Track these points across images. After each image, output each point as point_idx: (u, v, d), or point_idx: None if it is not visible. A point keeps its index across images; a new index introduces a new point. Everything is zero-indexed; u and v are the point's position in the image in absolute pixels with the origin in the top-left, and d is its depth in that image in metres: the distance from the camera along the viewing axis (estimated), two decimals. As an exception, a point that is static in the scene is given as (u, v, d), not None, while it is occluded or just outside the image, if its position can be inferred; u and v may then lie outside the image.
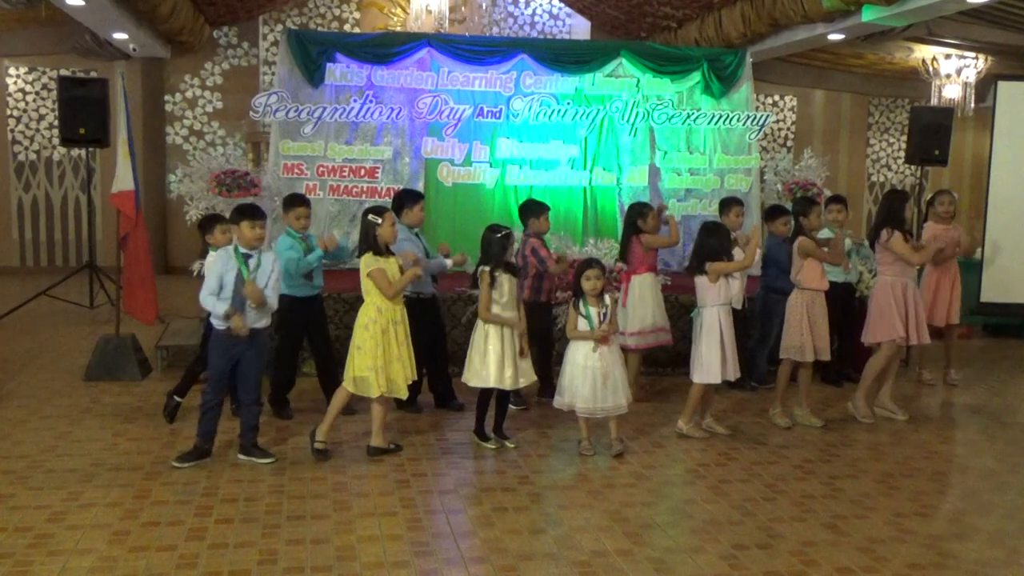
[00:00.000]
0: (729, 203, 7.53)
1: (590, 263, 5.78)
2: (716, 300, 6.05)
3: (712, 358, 6.02)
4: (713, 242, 6.12)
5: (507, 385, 5.71)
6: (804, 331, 6.36)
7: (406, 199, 6.58)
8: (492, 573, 4.08)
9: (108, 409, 6.55)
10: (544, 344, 6.96)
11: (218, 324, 5.27)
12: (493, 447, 5.84)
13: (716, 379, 6.06)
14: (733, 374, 6.13)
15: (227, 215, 8.01)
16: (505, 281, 5.73)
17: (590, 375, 5.66)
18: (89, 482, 5.07)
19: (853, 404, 6.78)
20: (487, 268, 5.70)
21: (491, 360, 5.66)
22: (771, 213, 7.54)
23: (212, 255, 5.78)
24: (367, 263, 5.43)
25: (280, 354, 6.42)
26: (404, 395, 5.66)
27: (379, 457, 5.56)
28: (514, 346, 5.72)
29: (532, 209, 6.96)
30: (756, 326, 7.59)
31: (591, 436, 5.85)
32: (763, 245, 7.49)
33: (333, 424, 5.63)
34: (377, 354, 5.41)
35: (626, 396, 5.78)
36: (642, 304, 6.96)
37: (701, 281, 6.10)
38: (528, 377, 5.90)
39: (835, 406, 7.13)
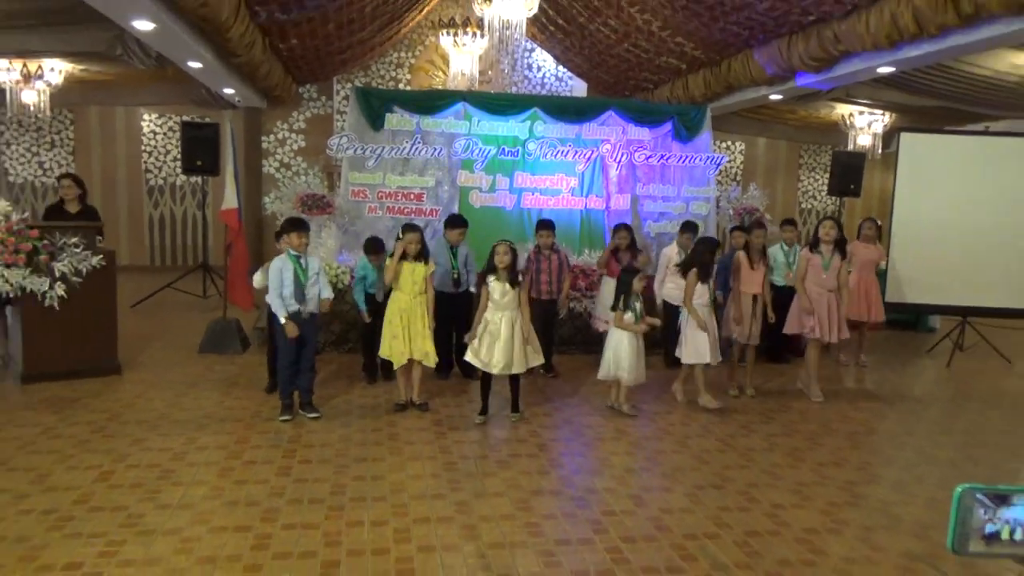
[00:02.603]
0: (687, 227, 7.38)
1: (636, 271, 5.81)
2: (700, 300, 6.01)
3: (701, 345, 5.97)
4: (707, 255, 6.03)
5: (494, 371, 5.37)
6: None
7: (447, 223, 6.68)
8: (509, 504, 4.08)
9: (217, 375, 6.59)
10: (545, 330, 6.62)
11: (281, 318, 5.33)
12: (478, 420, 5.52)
13: (707, 360, 6.00)
14: (715, 359, 6.04)
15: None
16: (496, 285, 5.38)
17: (633, 354, 5.66)
18: (203, 430, 5.11)
19: (804, 384, 6.72)
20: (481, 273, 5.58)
21: (482, 349, 5.40)
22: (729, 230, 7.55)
23: (275, 261, 5.41)
24: (388, 262, 5.63)
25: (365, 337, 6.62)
26: (399, 362, 5.57)
27: (420, 411, 5.67)
28: (503, 338, 5.33)
29: (536, 225, 7.07)
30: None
31: (627, 401, 5.85)
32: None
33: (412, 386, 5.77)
34: (387, 332, 5.63)
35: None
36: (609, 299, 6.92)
37: (685, 282, 6.03)
38: (526, 363, 5.45)
39: (775, 380, 7.10)
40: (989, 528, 1.12)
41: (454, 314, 6.46)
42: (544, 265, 6.76)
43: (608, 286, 7.00)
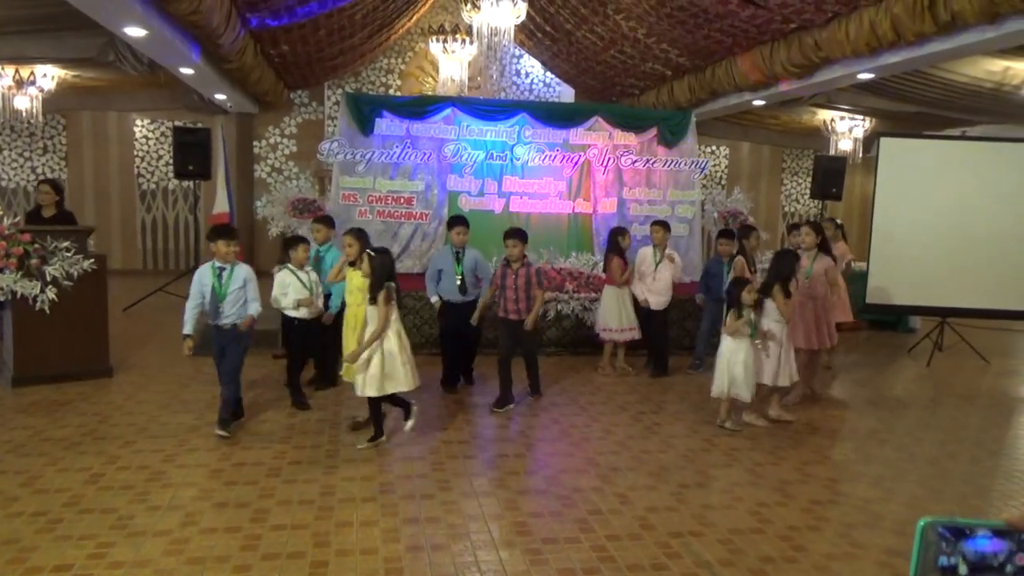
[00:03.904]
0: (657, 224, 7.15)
1: (745, 282, 5.46)
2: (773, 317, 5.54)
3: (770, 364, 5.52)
4: (790, 270, 5.54)
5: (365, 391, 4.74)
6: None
7: (449, 224, 6.36)
8: (497, 503, 4.07)
9: (208, 378, 6.53)
10: (515, 350, 6.04)
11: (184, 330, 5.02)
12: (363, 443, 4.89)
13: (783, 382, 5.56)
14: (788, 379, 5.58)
15: (300, 232, 8.05)
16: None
17: (751, 372, 5.34)
18: (193, 432, 5.07)
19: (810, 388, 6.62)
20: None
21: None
22: (721, 234, 7.30)
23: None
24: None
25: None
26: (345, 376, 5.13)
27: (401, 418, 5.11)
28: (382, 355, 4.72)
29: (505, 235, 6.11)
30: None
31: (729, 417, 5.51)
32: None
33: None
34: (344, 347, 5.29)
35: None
36: (609, 308, 6.93)
37: (775, 300, 5.50)
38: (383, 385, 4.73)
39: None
40: (947, 561, 1.12)
41: (460, 325, 6.13)
42: (511, 281, 5.87)
43: (609, 295, 6.92)
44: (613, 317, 6.93)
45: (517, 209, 9.17)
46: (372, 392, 4.70)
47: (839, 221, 8.48)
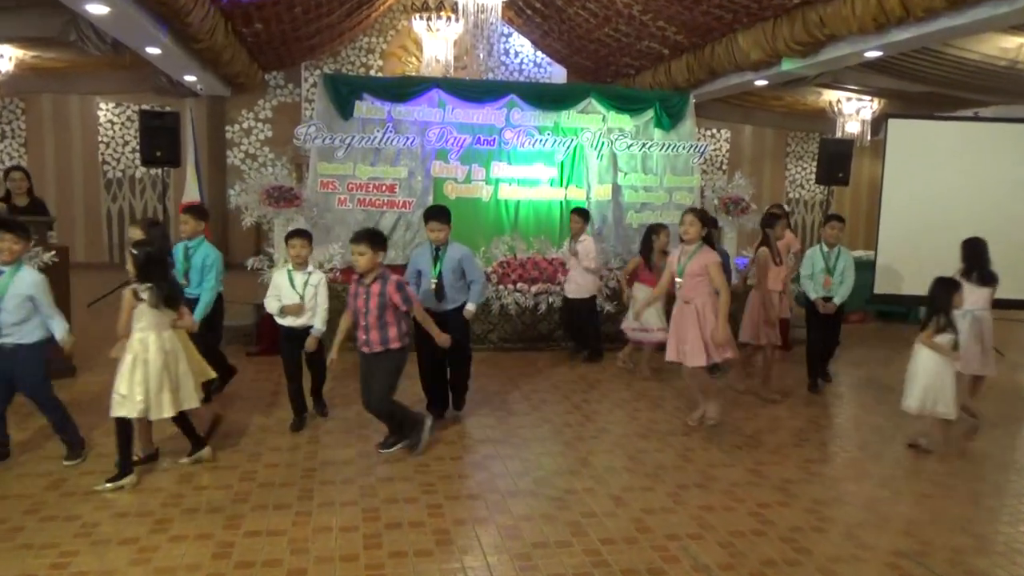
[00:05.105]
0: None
1: (955, 284, 5.09)
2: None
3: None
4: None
5: (132, 412, 4.13)
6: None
7: (424, 218, 5.38)
8: (485, 507, 4.07)
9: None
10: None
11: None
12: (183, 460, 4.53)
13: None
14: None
15: (276, 222, 8.02)
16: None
17: (953, 386, 5.04)
18: (161, 434, 5.03)
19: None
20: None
21: (123, 379, 4.17)
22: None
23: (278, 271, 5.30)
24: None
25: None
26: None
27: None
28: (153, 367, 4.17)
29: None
30: None
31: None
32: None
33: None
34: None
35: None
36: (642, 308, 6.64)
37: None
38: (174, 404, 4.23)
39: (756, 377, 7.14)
40: None
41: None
42: (361, 303, 4.66)
43: (644, 292, 6.72)
44: (645, 316, 6.71)
45: (506, 196, 9.16)
46: (169, 412, 4.20)
47: (786, 206, 8.32)
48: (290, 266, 5.25)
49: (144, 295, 4.17)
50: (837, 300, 6.42)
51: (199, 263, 5.55)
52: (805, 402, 6.35)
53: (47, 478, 4.28)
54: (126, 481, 4.17)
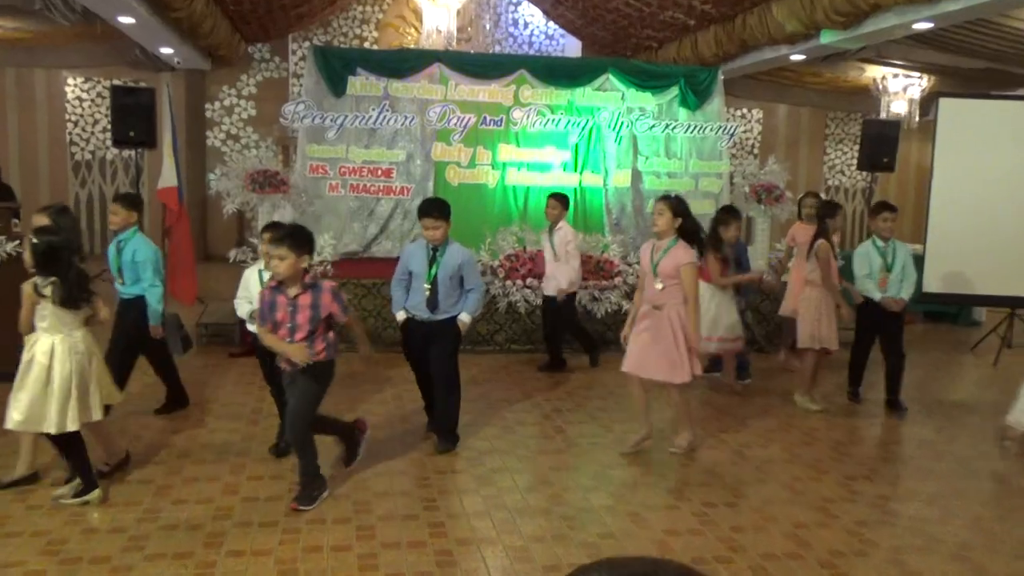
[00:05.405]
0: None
1: None
2: None
3: None
4: None
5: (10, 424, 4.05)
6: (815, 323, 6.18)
7: (418, 213, 5.10)
8: (491, 526, 4.07)
9: (153, 379, 6.51)
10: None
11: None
12: None
13: None
14: None
15: (260, 210, 8.03)
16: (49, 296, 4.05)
17: None
18: (136, 442, 5.07)
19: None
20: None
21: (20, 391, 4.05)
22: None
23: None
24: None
25: None
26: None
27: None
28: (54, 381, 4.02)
29: None
30: None
31: None
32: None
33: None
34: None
35: None
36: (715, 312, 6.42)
37: None
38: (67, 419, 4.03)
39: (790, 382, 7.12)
40: None
41: (426, 351, 5.05)
42: (283, 315, 4.20)
43: (717, 297, 6.39)
44: (704, 321, 6.22)
45: (514, 182, 9.16)
46: (72, 426, 4.05)
47: (823, 196, 7.92)
48: (262, 264, 4.95)
49: (46, 291, 4.00)
50: (905, 296, 6.21)
51: (129, 258, 5.37)
52: (844, 412, 6.33)
53: (11, 491, 4.29)
54: (92, 497, 4.14)
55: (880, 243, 6.34)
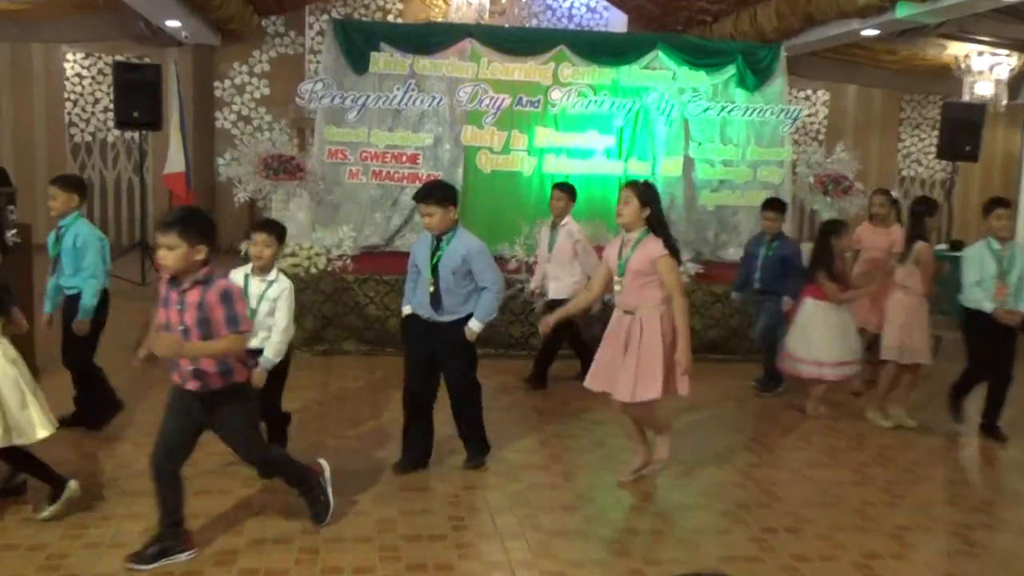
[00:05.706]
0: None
1: None
2: None
3: None
4: None
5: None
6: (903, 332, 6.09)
7: (415, 198, 5.03)
8: (526, 548, 4.07)
9: (157, 380, 6.60)
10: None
11: None
12: None
13: None
14: None
15: (273, 197, 8.09)
16: None
17: None
18: (139, 449, 5.08)
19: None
20: None
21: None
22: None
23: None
24: None
25: None
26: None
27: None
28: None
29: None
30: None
31: None
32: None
33: None
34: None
35: None
36: (811, 332, 6.30)
37: None
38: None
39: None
40: None
41: (430, 354, 4.90)
42: (173, 315, 3.75)
43: (813, 313, 6.26)
44: (820, 345, 6.25)
45: (552, 170, 9.15)
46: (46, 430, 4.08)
47: (895, 195, 7.73)
48: (249, 268, 4.86)
49: None
50: (1023, 307, 5.85)
51: (70, 244, 5.34)
52: (920, 431, 6.24)
53: (6, 501, 4.34)
54: (69, 491, 4.16)
55: (996, 245, 5.94)
